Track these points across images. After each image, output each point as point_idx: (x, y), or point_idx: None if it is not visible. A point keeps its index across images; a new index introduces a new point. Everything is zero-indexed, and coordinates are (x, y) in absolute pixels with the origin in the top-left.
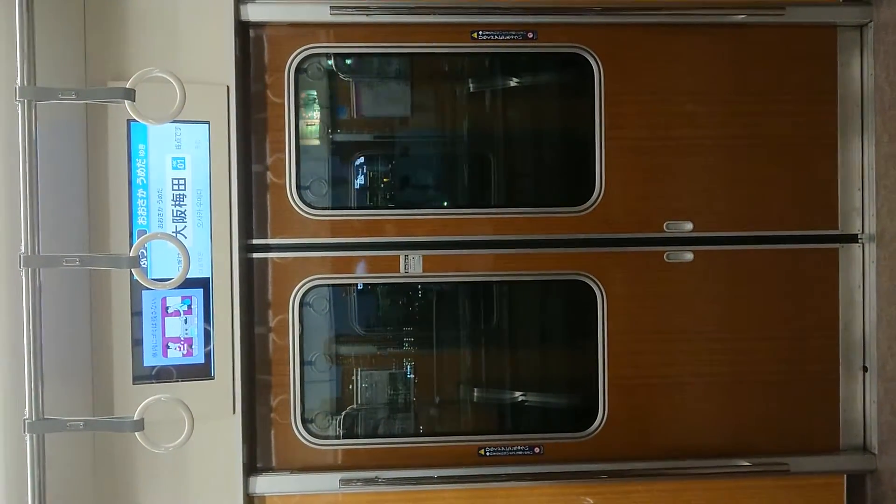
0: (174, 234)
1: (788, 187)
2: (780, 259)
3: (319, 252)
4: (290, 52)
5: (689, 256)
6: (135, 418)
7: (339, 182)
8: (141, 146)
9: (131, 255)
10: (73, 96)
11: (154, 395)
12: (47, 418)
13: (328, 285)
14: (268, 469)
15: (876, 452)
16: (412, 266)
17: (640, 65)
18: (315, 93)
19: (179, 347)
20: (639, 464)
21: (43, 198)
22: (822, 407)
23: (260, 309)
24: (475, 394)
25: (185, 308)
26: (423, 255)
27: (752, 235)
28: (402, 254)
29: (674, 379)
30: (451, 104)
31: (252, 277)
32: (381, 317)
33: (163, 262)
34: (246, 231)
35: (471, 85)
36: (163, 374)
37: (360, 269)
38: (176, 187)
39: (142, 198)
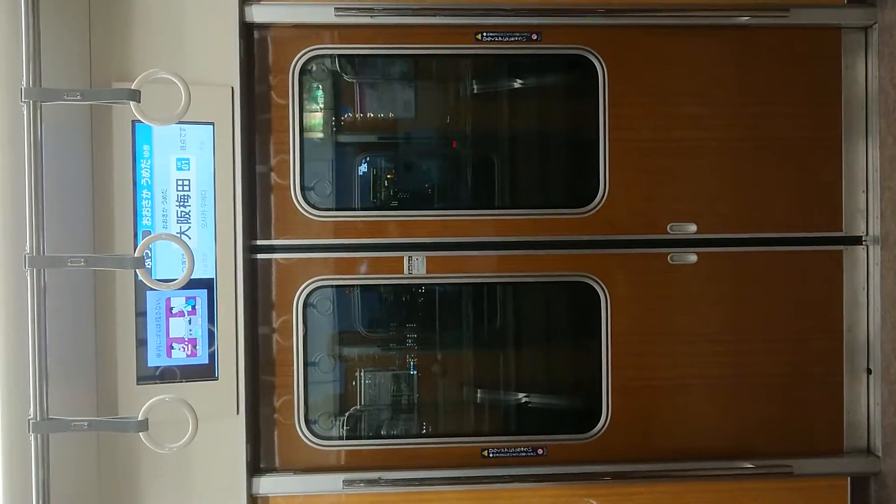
0: (178, 235)
1: (792, 189)
2: (784, 261)
3: (323, 253)
4: (294, 54)
5: (693, 258)
6: (139, 418)
7: (342, 183)
8: (145, 147)
9: (136, 255)
10: (79, 97)
11: (158, 396)
12: (52, 418)
13: (332, 286)
14: (271, 470)
15: (880, 455)
16: (416, 267)
17: (644, 66)
18: (319, 94)
19: (183, 348)
20: (642, 465)
21: (48, 198)
22: (826, 409)
23: (264, 310)
24: (478, 395)
25: (190, 309)
26: (427, 257)
27: (755, 237)
28: (405, 255)
29: (677, 381)
30: (454, 105)
31: (256, 278)
32: (385, 318)
33: (167, 262)
34: (250, 232)
35: (474, 86)
36: (167, 375)
37: (364, 270)
38: (180, 188)
39: (146, 198)
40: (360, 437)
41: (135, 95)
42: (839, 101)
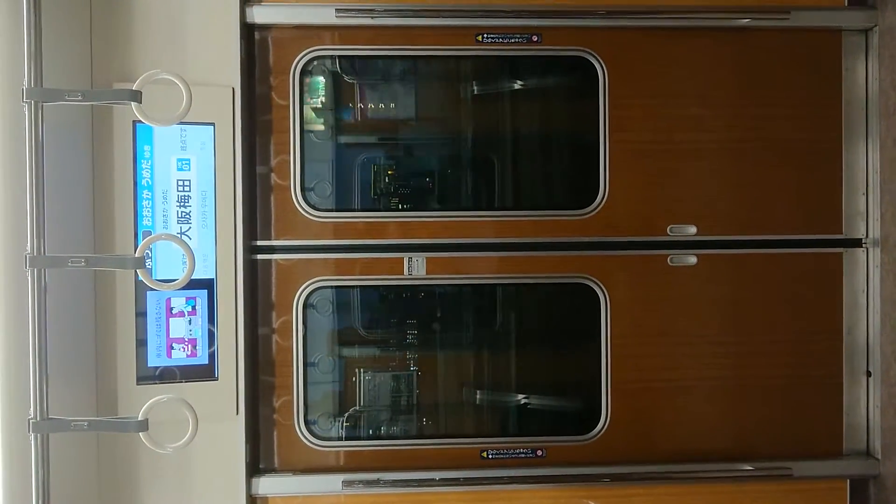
0: (179, 235)
1: (792, 191)
2: (784, 263)
3: (323, 254)
4: (295, 55)
5: (693, 260)
6: (139, 419)
7: (343, 184)
8: (146, 147)
9: (136, 255)
10: (80, 98)
11: (158, 396)
12: (52, 418)
13: (332, 287)
14: (270, 470)
15: (879, 457)
16: (416, 268)
17: (645, 68)
18: (320, 95)
19: (183, 348)
20: (641, 467)
21: (49, 198)
22: (826, 411)
23: (264, 310)
24: (478, 396)
25: (190, 309)
26: (427, 258)
27: (755, 239)
28: (405, 256)
29: (677, 382)
30: (455, 107)
31: (256, 279)
32: (385, 319)
33: (167, 263)
34: (250, 232)
35: (475, 88)
36: (166, 375)
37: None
38: (181, 188)
39: (147, 199)
40: (359, 438)
41: (136, 96)
42: (839, 104)
